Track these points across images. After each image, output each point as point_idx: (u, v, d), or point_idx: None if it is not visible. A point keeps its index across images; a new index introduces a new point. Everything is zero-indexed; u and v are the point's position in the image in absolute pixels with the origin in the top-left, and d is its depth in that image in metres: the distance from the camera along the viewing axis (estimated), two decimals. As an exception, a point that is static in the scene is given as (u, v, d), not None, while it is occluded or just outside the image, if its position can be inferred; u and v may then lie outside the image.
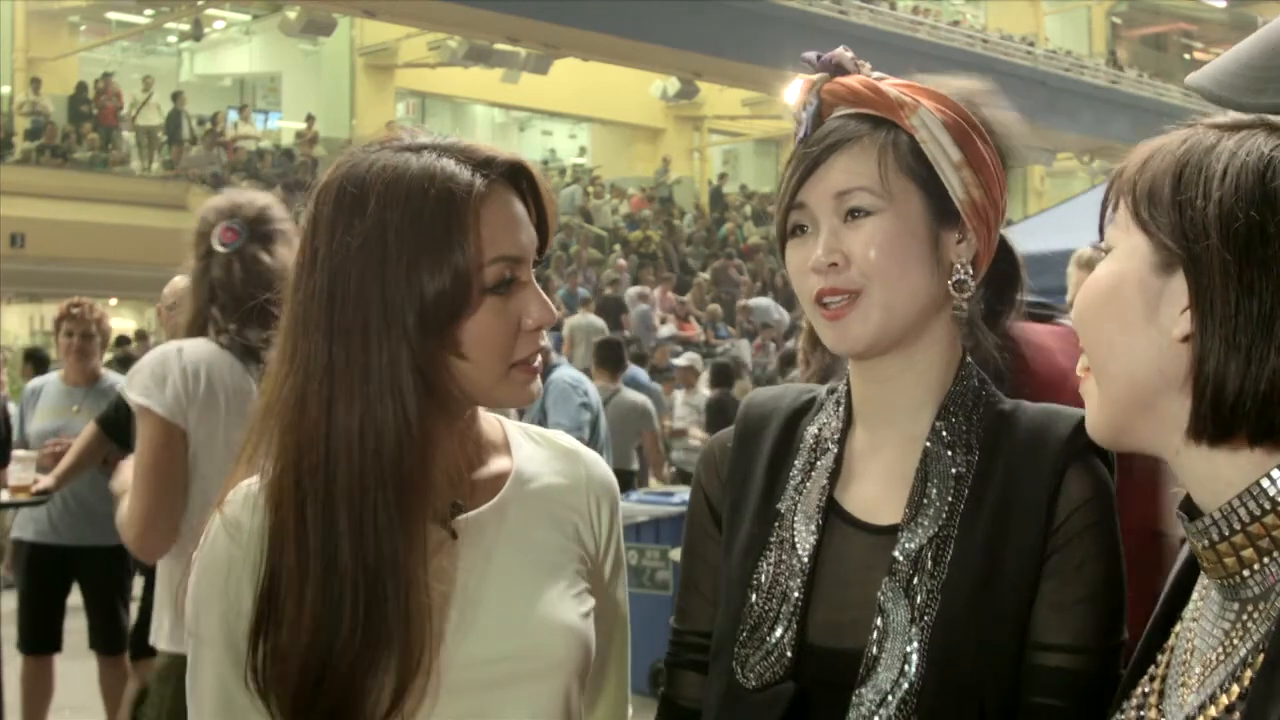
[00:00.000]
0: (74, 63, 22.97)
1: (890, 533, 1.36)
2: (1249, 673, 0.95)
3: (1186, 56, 38.20)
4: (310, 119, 22.56)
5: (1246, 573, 0.98)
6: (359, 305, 1.30)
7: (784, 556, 1.41)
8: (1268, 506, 0.97)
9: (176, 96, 22.09)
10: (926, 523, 1.34)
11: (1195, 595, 1.07)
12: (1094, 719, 1.26)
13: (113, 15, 24.38)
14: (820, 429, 1.47)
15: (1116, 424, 1.06)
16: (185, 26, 24.11)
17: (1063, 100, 25.57)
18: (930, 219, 1.38)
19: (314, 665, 1.28)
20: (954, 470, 1.36)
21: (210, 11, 24.37)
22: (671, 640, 1.54)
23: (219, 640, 1.34)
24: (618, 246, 22.04)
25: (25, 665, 5.45)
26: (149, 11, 24.01)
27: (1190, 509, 1.04)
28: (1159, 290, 1.00)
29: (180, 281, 4.98)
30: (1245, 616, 0.98)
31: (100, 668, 5.47)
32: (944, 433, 1.38)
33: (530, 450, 1.51)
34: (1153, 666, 1.09)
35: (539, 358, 1.40)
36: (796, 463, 1.46)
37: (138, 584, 5.36)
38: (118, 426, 4.62)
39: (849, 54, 1.44)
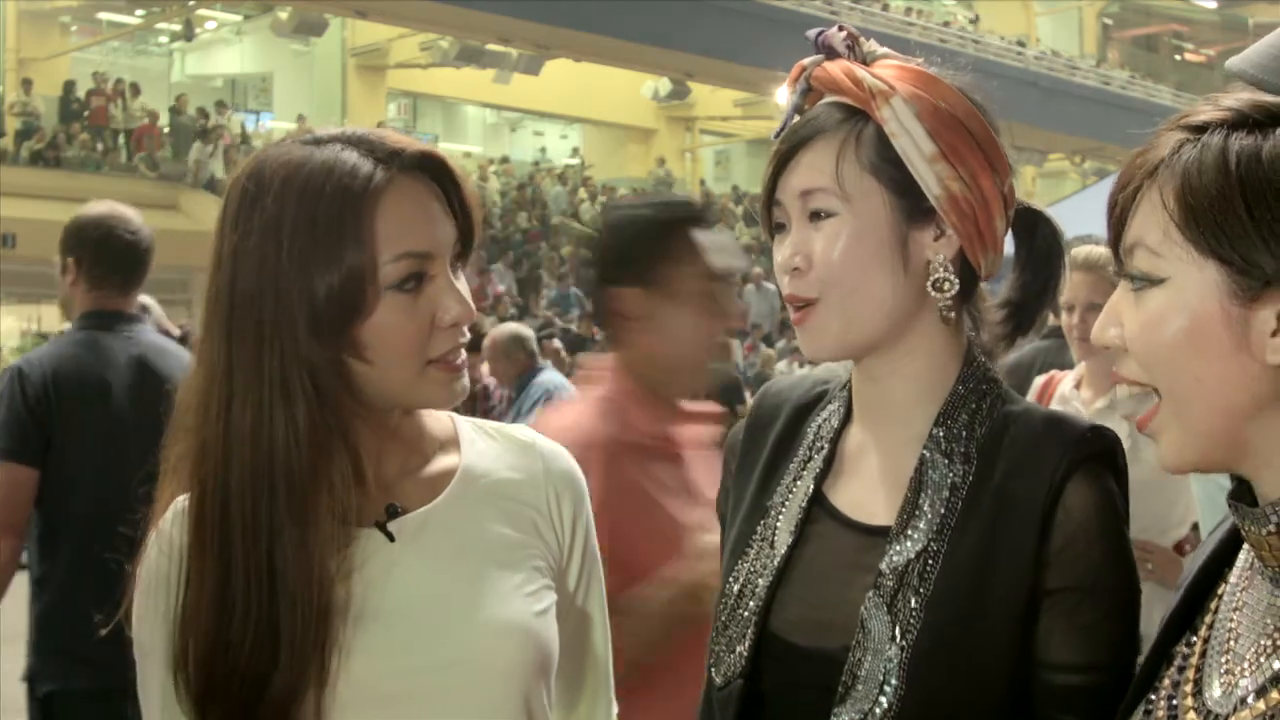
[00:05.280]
0: (65, 63, 22.88)
1: (878, 534, 1.32)
2: None
3: (1177, 57, 38.26)
4: (301, 119, 22.51)
5: None
6: (253, 305, 1.26)
7: (763, 553, 1.38)
8: None
9: (179, 99, 22.06)
10: (916, 535, 1.29)
11: (1234, 584, 1.06)
12: None
13: (104, 15, 24.31)
14: (820, 424, 1.43)
15: (1203, 455, 1.03)
16: (176, 27, 24.05)
17: (1054, 101, 25.60)
18: (897, 218, 1.31)
19: (213, 670, 1.25)
20: (949, 480, 1.30)
21: (201, 12, 24.31)
22: None
23: (159, 654, 1.32)
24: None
25: None
26: (140, 12, 23.94)
27: (1244, 497, 1.03)
28: (1244, 318, 0.98)
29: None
30: None
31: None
32: (942, 439, 1.32)
33: (483, 446, 1.44)
34: (1180, 658, 1.08)
35: (461, 354, 1.34)
36: (794, 458, 1.42)
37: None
38: None
39: (842, 34, 1.36)
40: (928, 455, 1.32)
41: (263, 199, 1.27)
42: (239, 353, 1.27)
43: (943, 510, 1.29)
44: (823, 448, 1.41)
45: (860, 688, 1.25)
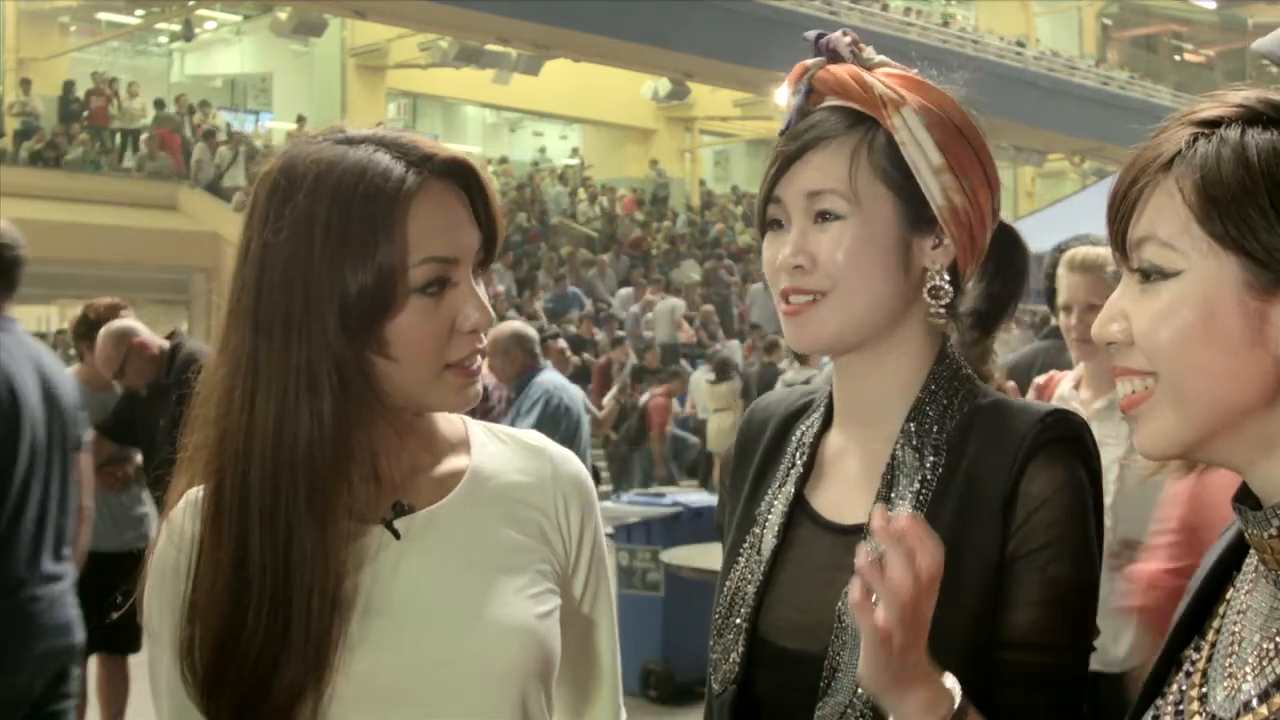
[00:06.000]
0: (64, 63, 22.89)
1: (854, 533, 1.33)
2: None
3: (1177, 58, 38.28)
4: (301, 120, 22.51)
5: None
6: (281, 299, 1.28)
7: (751, 560, 1.40)
8: None
9: (179, 99, 22.08)
10: None
11: (1241, 588, 1.06)
12: (1063, 713, 1.25)
13: (103, 16, 24.33)
14: (803, 431, 1.46)
15: (1189, 445, 1.03)
16: (176, 27, 24.06)
17: (1054, 101, 25.60)
18: (902, 225, 1.34)
19: (223, 658, 1.27)
20: (920, 473, 1.32)
21: (201, 12, 24.32)
22: None
23: (168, 641, 1.33)
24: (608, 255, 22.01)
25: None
26: (140, 12, 23.95)
27: (1248, 500, 1.03)
28: (1262, 311, 0.98)
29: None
30: None
31: (100, 668, 5.46)
32: (913, 434, 1.35)
33: (494, 449, 1.46)
34: (1189, 663, 1.08)
35: (477, 360, 1.35)
36: (781, 465, 1.45)
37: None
38: (119, 427, 4.96)
39: (847, 39, 1.38)
40: (899, 450, 1.34)
41: (295, 195, 1.28)
42: (265, 345, 1.28)
43: (914, 503, 1.31)
44: (804, 453, 1.43)
45: (840, 681, 1.28)
